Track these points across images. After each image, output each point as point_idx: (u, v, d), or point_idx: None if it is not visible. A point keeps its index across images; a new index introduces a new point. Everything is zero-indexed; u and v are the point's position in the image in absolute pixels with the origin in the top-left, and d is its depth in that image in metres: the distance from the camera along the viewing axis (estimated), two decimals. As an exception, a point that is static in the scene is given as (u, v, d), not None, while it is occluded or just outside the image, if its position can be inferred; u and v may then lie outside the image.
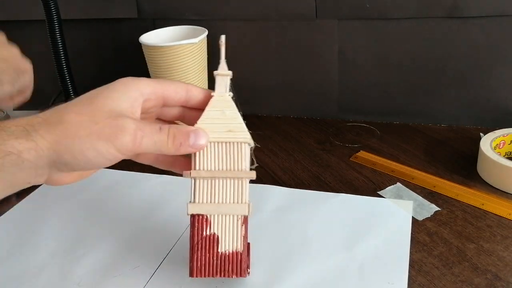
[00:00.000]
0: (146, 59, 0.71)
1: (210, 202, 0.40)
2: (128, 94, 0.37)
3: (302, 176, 0.62)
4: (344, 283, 0.44)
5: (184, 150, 0.38)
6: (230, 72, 0.41)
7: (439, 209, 0.53)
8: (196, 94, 0.41)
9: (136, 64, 0.74)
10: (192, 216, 0.40)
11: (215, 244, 0.40)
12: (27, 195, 0.60)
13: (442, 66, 0.69)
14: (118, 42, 0.83)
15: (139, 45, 0.70)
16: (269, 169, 0.64)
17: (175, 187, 0.59)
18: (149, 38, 0.71)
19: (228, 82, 0.41)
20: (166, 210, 0.56)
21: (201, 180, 0.40)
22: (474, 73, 0.68)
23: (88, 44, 0.85)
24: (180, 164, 0.42)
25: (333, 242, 0.49)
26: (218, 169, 0.40)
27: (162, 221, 0.54)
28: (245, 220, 0.41)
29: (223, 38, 0.43)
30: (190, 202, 0.40)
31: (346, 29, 0.71)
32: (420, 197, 0.55)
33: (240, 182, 0.40)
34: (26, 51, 0.88)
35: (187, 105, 0.41)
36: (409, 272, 0.44)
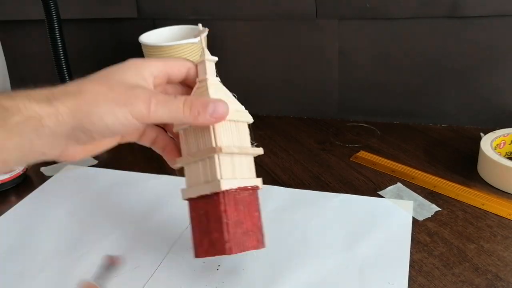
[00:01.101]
0: (146, 59, 0.71)
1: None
2: (141, 71, 0.39)
3: (302, 176, 0.62)
4: (344, 283, 0.43)
5: (203, 119, 0.38)
6: (216, 58, 0.43)
7: (440, 209, 0.53)
8: (195, 72, 0.43)
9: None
10: (188, 200, 0.41)
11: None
12: (27, 195, 0.60)
13: (442, 66, 0.69)
14: (118, 42, 0.83)
15: (139, 45, 0.70)
16: (269, 169, 0.63)
17: (175, 187, 0.59)
18: (149, 38, 0.71)
19: (209, 66, 0.42)
20: (166, 210, 0.56)
21: (222, 156, 0.40)
22: (474, 73, 0.68)
23: (88, 44, 0.85)
24: (170, 149, 0.44)
25: (333, 242, 0.49)
26: (234, 146, 0.40)
27: (162, 221, 0.54)
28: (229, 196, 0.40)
29: (200, 26, 0.46)
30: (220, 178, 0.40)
31: (346, 29, 0.71)
32: (421, 197, 0.55)
33: (250, 158, 0.42)
34: (26, 51, 0.88)
35: (187, 81, 0.43)
36: (410, 272, 0.44)
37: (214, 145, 0.39)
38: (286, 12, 0.72)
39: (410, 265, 0.45)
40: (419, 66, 0.70)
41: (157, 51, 0.67)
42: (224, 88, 0.42)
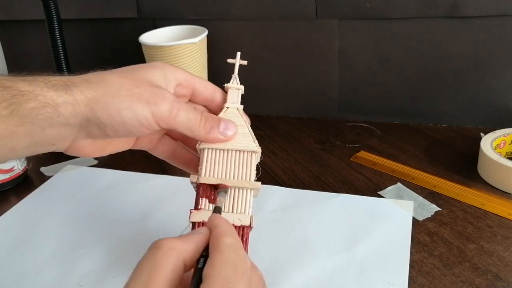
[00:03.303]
0: (146, 59, 0.71)
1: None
2: (166, 74, 0.38)
3: (302, 176, 0.62)
4: (344, 283, 0.43)
5: (213, 135, 0.38)
6: (242, 87, 0.43)
7: (440, 209, 0.53)
8: (221, 97, 0.42)
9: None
10: (193, 224, 0.38)
11: None
12: (27, 195, 0.60)
13: (442, 66, 0.69)
14: (118, 42, 0.83)
15: (139, 45, 0.70)
16: (269, 169, 0.63)
17: (175, 187, 0.59)
18: (149, 38, 0.71)
19: (240, 95, 0.42)
20: (166, 210, 0.56)
21: (205, 187, 0.39)
22: (474, 73, 0.68)
23: (88, 44, 0.85)
24: (195, 164, 0.42)
25: (333, 242, 0.49)
26: (226, 178, 0.39)
27: (162, 221, 0.54)
28: (248, 231, 0.39)
29: (238, 55, 0.44)
30: (193, 209, 0.39)
31: (346, 29, 0.71)
32: (421, 197, 0.55)
33: (245, 192, 0.39)
34: (26, 51, 0.88)
35: (210, 105, 0.42)
36: (410, 272, 0.44)
37: (252, 179, 0.39)
38: (286, 12, 0.72)
39: (410, 265, 0.45)
40: (419, 66, 0.70)
41: (157, 51, 0.67)
42: (240, 115, 0.42)
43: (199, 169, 0.39)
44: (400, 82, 0.72)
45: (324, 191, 0.57)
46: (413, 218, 0.52)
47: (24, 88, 0.33)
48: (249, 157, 0.40)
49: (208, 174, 0.39)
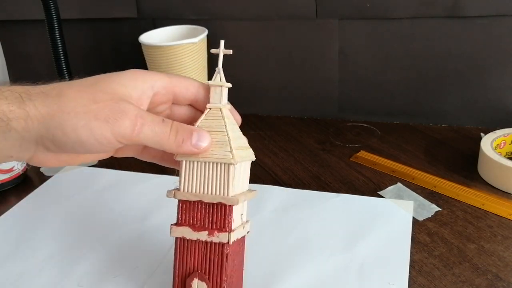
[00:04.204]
0: (146, 59, 0.71)
1: (195, 227, 0.37)
2: (138, 84, 0.35)
3: (302, 176, 0.62)
4: (344, 283, 0.43)
5: (186, 148, 0.36)
6: (227, 84, 0.38)
7: (440, 209, 0.53)
8: (206, 94, 0.39)
9: (136, 64, 0.74)
10: (177, 239, 0.38)
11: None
12: (27, 195, 0.60)
13: (443, 66, 0.69)
14: (118, 42, 0.83)
15: (139, 45, 0.70)
16: (269, 169, 0.63)
17: (175, 187, 0.59)
18: (149, 38, 0.71)
19: (225, 92, 0.38)
20: (166, 210, 0.55)
21: (185, 203, 0.38)
22: (474, 73, 0.68)
23: (88, 44, 0.85)
24: None
25: (333, 242, 0.49)
26: (204, 193, 0.37)
27: (162, 221, 0.54)
28: (230, 248, 0.37)
29: (222, 43, 0.40)
30: (174, 224, 0.38)
31: (347, 29, 0.71)
32: (421, 197, 0.55)
33: (226, 208, 0.37)
34: (26, 51, 0.88)
35: (195, 104, 0.39)
36: (410, 272, 0.44)
37: (229, 194, 0.36)
38: (286, 12, 0.72)
39: (410, 265, 0.45)
40: (419, 66, 0.70)
41: (157, 51, 0.67)
42: (224, 118, 0.38)
43: (179, 182, 0.37)
44: (400, 82, 0.72)
45: (324, 191, 0.57)
46: (413, 218, 0.52)
47: None
48: (226, 169, 0.36)
49: (187, 189, 0.37)
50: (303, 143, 0.70)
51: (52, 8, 0.66)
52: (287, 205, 0.55)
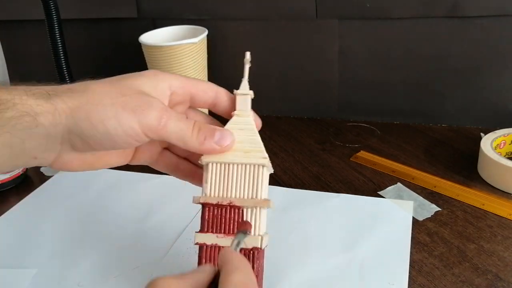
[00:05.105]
0: (146, 59, 0.71)
1: (220, 232, 0.36)
2: (157, 83, 0.36)
3: (302, 176, 0.62)
4: (344, 283, 0.43)
5: (208, 145, 0.35)
6: (250, 92, 0.39)
7: (440, 209, 0.53)
8: (225, 99, 0.39)
9: (136, 64, 0.74)
10: (200, 245, 0.36)
11: None
12: (27, 195, 0.60)
13: (443, 66, 0.69)
14: (118, 42, 0.83)
15: (139, 45, 0.70)
16: (269, 169, 0.63)
17: (175, 187, 0.59)
18: (149, 38, 0.71)
19: (249, 101, 0.38)
20: (166, 210, 0.56)
21: (211, 208, 0.36)
22: (474, 73, 0.68)
23: (88, 44, 0.84)
24: (200, 176, 0.38)
25: (333, 242, 0.49)
26: (233, 196, 0.36)
27: (162, 221, 0.54)
28: (260, 253, 0.36)
29: (248, 55, 0.40)
30: (198, 231, 0.37)
31: (347, 29, 0.71)
32: (421, 197, 0.55)
33: (255, 211, 0.36)
34: (26, 51, 0.88)
35: (214, 109, 0.39)
36: (410, 272, 0.44)
37: (262, 197, 0.36)
38: (286, 12, 0.72)
39: (410, 265, 0.45)
40: (419, 66, 0.70)
41: (157, 51, 0.67)
42: (250, 124, 0.38)
43: (203, 187, 0.37)
44: (400, 82, 0.72)
45: (324, 191, 0.57)
46: (413, 218, 0.52)
47: (2, 96, 0.31)
48: (258, 171, 0.36)
49: (213, 192, 0.36)
50: (303, 143, 0.70)
51: (52, 8, 0.66)
52: (287, 205, 0.55)
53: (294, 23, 0.73)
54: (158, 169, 0.41)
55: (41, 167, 0.66)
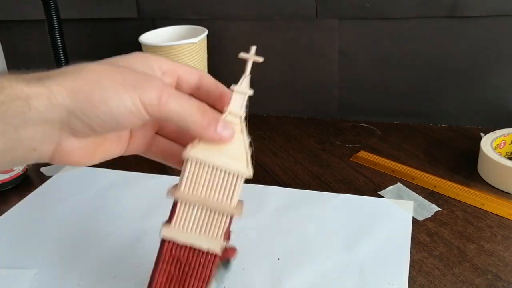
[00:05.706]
0: (146, 59, 0.71)
1: (187, 230, 0.36)
2: (149, 64, 0.35)
3: (302, 176, 0.62)
4: (344, 283, 0.43)
5: (210, 132, 0.34)
6: (249, 91, 0.37)
7: (440, 209, 0.53)
8: (208, 81, 0.38)
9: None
10: (163, 240, 0.36)
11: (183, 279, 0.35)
12: (27, 195, 0.60)
13: (442, 66, 0.69)
14: (118, 42, 0.83)
15: (139, 45, 0.70)
16: (269, 169, 0.63)
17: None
18: (149, 38, 0.71)
19: (245, 101, 0.36)
20: (166, 210, 0.55)
21: (184, 205, 0.36)
22: (474, 73, 0.68)
23: (88, 44, 0.85)
24: None
25: (333, 242, 0.49)
26: (206, 197, 0.35)
27: (162, 221, 0.54)
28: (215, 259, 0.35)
29: (253, 49, 0.38)
30: (165, 223, 0.36)
31: (347, 29, 0.71)
32: (421, 197, 0.55)
33: (223, 217, 0.35)
34: (26, 51, 0.88)
35: (198, 92, 0.38)
36: (410, 272, 0.44)
37: (233, 205, 0.35)
38: (286, 12, 0.72)
39: (410, 265, 0.45)
40: (419, 66, 0.70)
41: (157, 51, 0.67)
42: (241, 127, 0.36)
43: (179, 182, 0.35)
44: (400, 82, 0.72)
45: (324, 191, 0.57)
46: (413, 218, 0.52)
47: None
48: (236, 180, 0.35)
49: (187, 190, 0.35)
50: (303, 143, 0.70)
51: (52, 8, 0.67)
52: (287, 205, 0.55)
53: (294, 23, 0.73)
54: (151, 157, 0.40)
55: (41, 167, 0.66)
